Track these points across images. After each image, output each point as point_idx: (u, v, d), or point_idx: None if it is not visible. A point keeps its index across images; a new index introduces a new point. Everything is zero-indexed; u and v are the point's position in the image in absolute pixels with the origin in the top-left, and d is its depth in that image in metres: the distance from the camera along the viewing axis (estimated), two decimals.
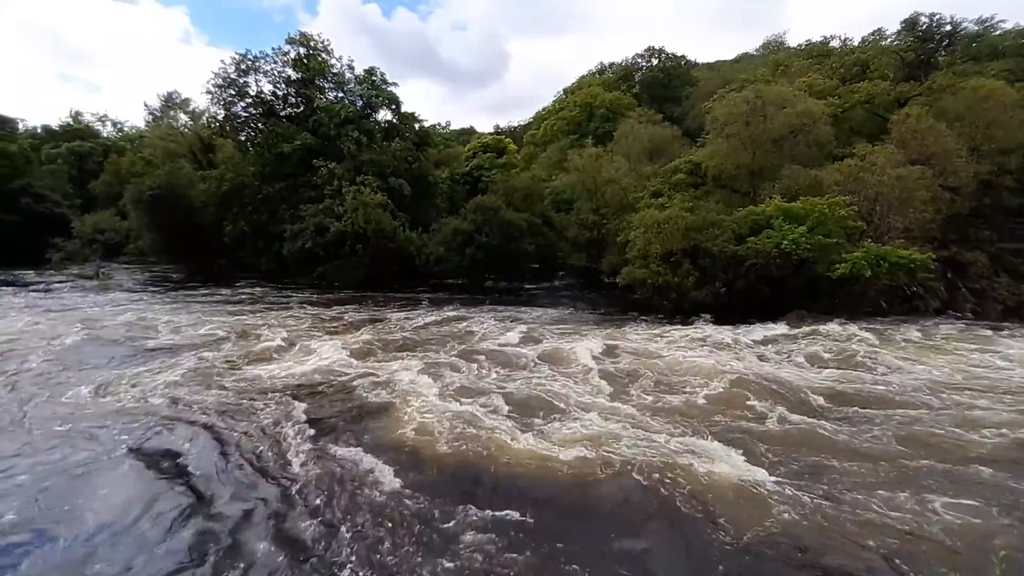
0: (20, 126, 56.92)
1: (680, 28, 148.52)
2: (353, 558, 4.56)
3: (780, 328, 14.19)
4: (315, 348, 12.11)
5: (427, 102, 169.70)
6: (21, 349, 11.96)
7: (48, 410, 8.19)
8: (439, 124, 38.34)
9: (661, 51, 54.45)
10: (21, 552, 4.70)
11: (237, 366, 10.68)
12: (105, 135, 58.44)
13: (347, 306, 19.48)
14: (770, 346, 12.37)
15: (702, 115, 28.22)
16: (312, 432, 7.24)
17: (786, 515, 5.11)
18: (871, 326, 13.95)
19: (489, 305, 20.23)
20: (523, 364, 10.94)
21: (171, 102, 48.19)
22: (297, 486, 5.82)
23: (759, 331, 13.93)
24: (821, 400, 8.47)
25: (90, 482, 5.96)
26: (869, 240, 16.66)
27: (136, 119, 62.78)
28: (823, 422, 7.52)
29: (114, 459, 6.54)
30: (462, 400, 8.45)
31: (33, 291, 22.84)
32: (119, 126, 60.83)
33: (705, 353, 11.60)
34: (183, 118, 46.33)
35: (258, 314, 17.22)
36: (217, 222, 29.37)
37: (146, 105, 44.45)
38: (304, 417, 7.80)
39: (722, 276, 17.16)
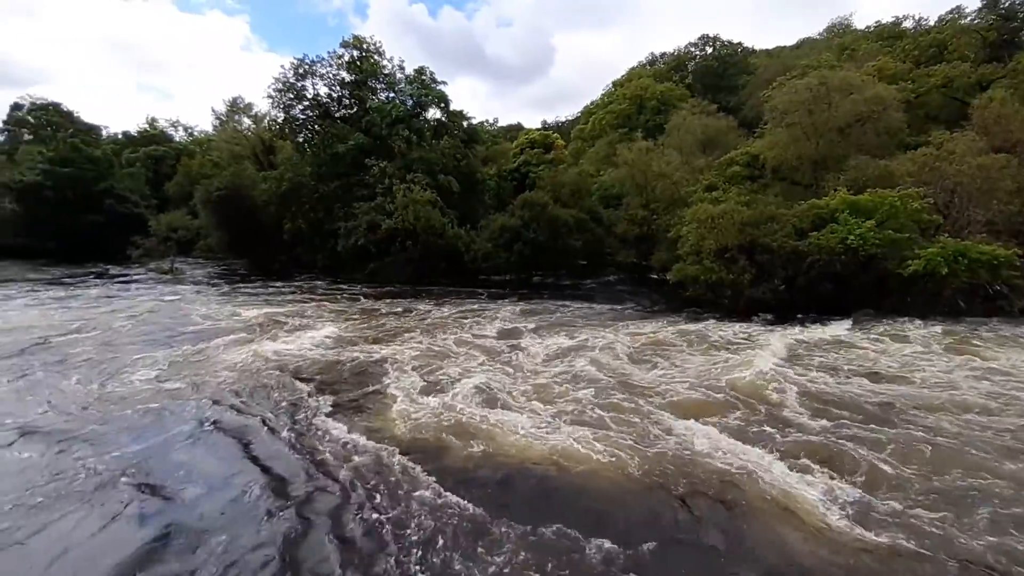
0: (104, 133, 62.22)
1: (736, 14, 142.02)
2: None
3: (843, 328, 13.42)
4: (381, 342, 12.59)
5: (473, 100, 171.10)
6: (103, 329, 13.57)
7: (128, 388, 9.07)
8: (487, 121, 38.64)
9: (716, 39, 52.59)
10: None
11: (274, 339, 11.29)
12: (177, 139, 62.61)
13: (396, 300, 20.07)
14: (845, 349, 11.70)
15: (760, 104, 27.07)
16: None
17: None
18: (951, 327, 12.95)
19: (540, 301, 20.18)
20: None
21: (235, 107, 51.08)
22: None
23: (831, 328, 13.27)
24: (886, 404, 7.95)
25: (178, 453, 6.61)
26: (946, 235, 15.48)
27: (205, 124, 66.76)
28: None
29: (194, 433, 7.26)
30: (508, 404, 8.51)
31: (116, 283, 25.45)
32: (190, 131, 65.01)
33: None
34: (246, 122, 49.00)
35: (315, 303, 18.16)
36: (277, 220, 30.90)
37: (213, 110, 47.27)
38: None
39: (781, 273, 16.41)
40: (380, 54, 33.87)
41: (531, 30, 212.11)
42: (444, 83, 33.50)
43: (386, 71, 33.93)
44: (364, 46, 33.40)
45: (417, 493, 5.52)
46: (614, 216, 29.79)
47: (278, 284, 24.93)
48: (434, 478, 5.82)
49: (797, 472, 5.81)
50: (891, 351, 10.99)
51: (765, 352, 10.93)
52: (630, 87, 46.86)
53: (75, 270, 30.41)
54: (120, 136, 61.99)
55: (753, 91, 36.01)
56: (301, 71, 32.62)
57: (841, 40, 38.85)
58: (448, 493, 5.50)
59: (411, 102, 32.95)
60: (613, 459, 6.26)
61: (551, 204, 26.72)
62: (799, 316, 15.16)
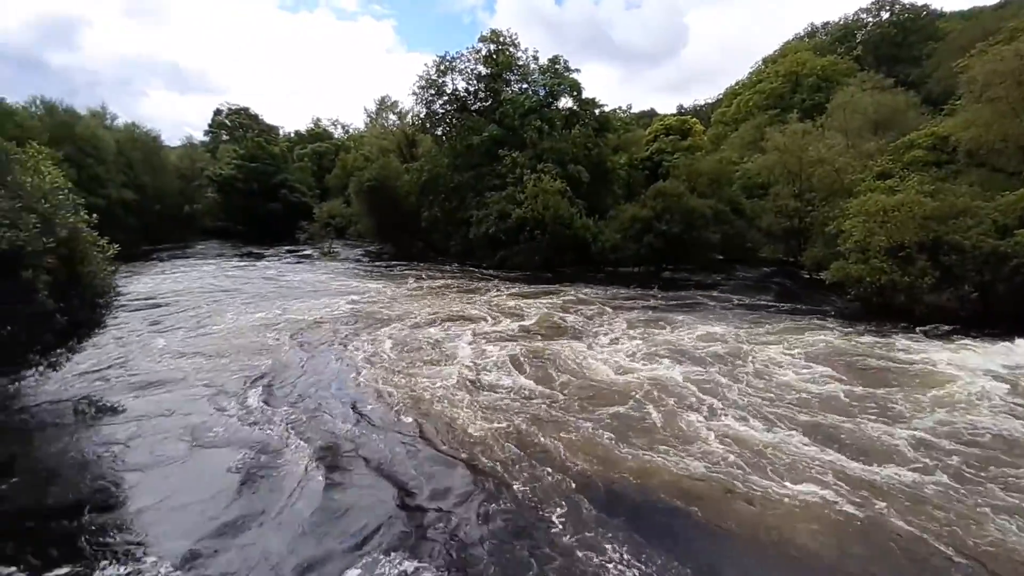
0: (280, 132, 72.18)
1: None
2: None
3: None
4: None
5: (603, 87, 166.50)
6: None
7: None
8: (619, 108, 37.14)
9: (894, 2, 44.97)
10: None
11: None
12: (336, 136, 70.34)
13: (532, 286, 20.49)
14: None
15: (952, 76, 22.63)
16: None
17: None
18: None
19: (675, 299, 19.19)
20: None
21: (383, 105, 55.92)
22: None
23: None
24: None
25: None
26: None
27: (358, 121, 74.07)
28: None
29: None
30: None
31: (285, 261, 31.81)
32: (346, 128, 72.64)
33: None
34: (392, 118, 53.39)
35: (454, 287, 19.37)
36: (416, 209, 33.33)
37: (365, 110, 52.13)
38: None
39: (974, 277, 13.66)
40: (515, 46, 34.44)
41: (661, 10, 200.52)
42: (577, 71, 33.11)
43: (520, 63, 34.43)
44: (500, 39, 34.21)
45: None
46: (758, 207, 27.23)
47: (407, 266, 27.32)
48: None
49: None
50: None
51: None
52: (784, 63, 42.12)
53: (262, 249, 37.54)
54: (292, 135, 71.42)
55: (942, 61, 30.35)
56: (442, 67, 34.47)
57: None
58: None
59: (544, 92, 33.10)
60: None
61: (686, 194, 25.16)
62: (993, 330, 12.45)
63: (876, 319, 14.54)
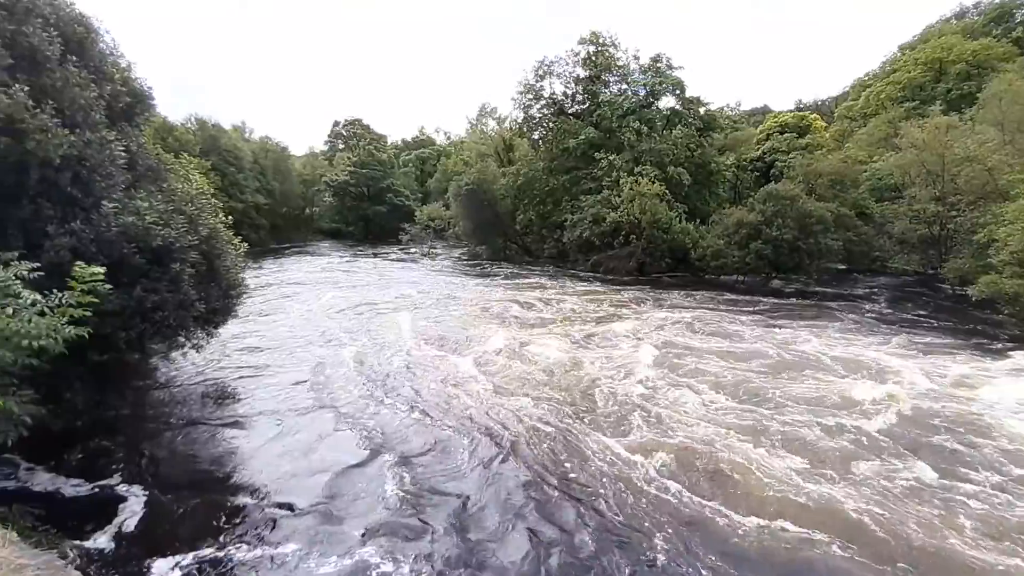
0: (388, 141, 77.33)
1: None
2: None
3: None
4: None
5: (711, 82, 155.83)
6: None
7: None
8: (727, 105, 35.13)
9: None
10: None
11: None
12: (439, 143, 73.85)
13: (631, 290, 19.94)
14: None
15: None
16: None
17: None
18: None
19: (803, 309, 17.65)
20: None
21: (483, 111, 57.72)
22: None
23: None
24: None
25: None
26: None
27: (459, 128, 77.21)
28: None
29: None
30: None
31: (391, 258, 34.37)
32: (448, 135, 76.03)
33: None
34: (491, 124, 54.92)
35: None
36: (512, 212, 33.89)
37: (467, 118, 54.12)
38: None
39: None
40: (615, 46, 33.83)
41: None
42: (680, 68, 31.67)
43: (620, 63, 33.74)
44: (600, 40, 33.78)
45: None
46: (890, 212, 24.22)
47: (510, 268, 27.67)
48: None
49: None
50: None
51: None
52: (925, 49, 37.06)
53: (371, 248, 41.05)
54: (399, 142, 76.15)
55: None
56: (540, 72, 34.77)
57: None
58: None
59: (644, 92, 32.11)
60: None
61: (802, 196, 23.00)
62: None
63: None
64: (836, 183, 26.07)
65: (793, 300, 19.60)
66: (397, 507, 5.99)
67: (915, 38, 42.85)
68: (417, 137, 75.16)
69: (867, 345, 12.82)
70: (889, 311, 17.65)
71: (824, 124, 39.46)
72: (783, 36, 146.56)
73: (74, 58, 7.23)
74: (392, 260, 34.52)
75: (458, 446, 7.50)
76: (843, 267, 25.06)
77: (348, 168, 51.45)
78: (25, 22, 6.61)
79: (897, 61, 40.39)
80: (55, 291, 4.66)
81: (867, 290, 21.94)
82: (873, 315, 16.90)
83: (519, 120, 37.69)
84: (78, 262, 4.93)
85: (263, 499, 6.20)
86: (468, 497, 6.21)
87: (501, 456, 7.18)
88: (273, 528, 5.58)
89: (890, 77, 38.11)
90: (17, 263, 4.89)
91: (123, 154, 7.58)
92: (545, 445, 7.47)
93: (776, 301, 19.24)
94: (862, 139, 32.23)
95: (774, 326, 14.83)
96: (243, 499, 6.23)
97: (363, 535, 5.45)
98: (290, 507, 5.98)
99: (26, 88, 6.10)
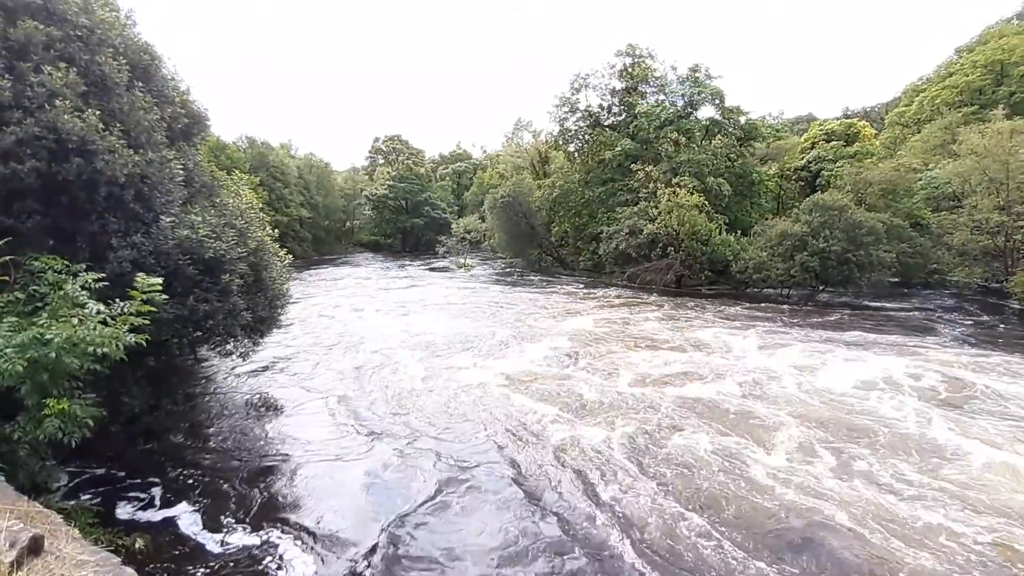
0: (426, 155, 79.15)
1: None
2: None
3: None
4: None
5: (753, 92, 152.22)
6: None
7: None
8: (769, 114, 34.18)
9: None
10: None
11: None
12: (475, 157, 75.01)
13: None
14: None
15: None
16: None
17: None
18: None
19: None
20: None
21: (519, 125, 58.33)
22: None
23: None
24: None
25: None
26: None
27: (495, 143, 78.33)
28: None
29: None
30: None
31: (430, 269, 35.20)
32: (484, 149, 77.18)
33: None
34: (527, 137, 55.41)
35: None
36: (547, 224, 33.93)
37: (503, 132, 54.83)
38: None
39: None
40: (652, 57, 33.64)
41: None
42: (719, 77, 31.14)
43: (656, 74, 33.48)
44: (636, 52, 33.67)
45: None
46: (948, 222, 22.93)
47: (542, 280, 27.62)
48: None
49: None
50: None
51: None
52: (984, 51, 35.21)
53: (408, 260, 42.07)
54: (437, 156, 77.79)
55: None
56: (576, 85, 34.89)
57: None
58: None
59: (682, 102, 31.70)
60: None
61: (851, 206, 22.02)
62: None
63: None
64: (888, 192, 24.88)
65: (854, 315, 18.71)
66: None
67: (973, 40, 40.74)
68: (454, 151, 76.64)
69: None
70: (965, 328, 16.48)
71: (873, 131, 37.89)
72: (826, 44, 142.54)
73: (140, 84, 7.78)
74: (432, 271, 35.23)
75: None
76: (896, 280, 23.81)
77: (387, 182, 52.90)
78: (98, 52, 7.15)
79: (953, 64, 38.51)
80: (117, 300, 4.99)
81: (929, 304, 20.67)
82: (959, 334, 15.77)
83: (555, 133, 37.89)
84: (138, 273, 5.26)
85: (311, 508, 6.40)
86: None
87: None
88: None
89: (946, 81, 36.38)
90: (84, 274, 5.29)
91: (181, 172, 8.08)
92: None
93: (843, 315, 18.53)
94: (916, 146, 30.78)
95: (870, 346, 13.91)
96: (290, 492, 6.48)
97: None
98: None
99: (97, 112, 6.58)
